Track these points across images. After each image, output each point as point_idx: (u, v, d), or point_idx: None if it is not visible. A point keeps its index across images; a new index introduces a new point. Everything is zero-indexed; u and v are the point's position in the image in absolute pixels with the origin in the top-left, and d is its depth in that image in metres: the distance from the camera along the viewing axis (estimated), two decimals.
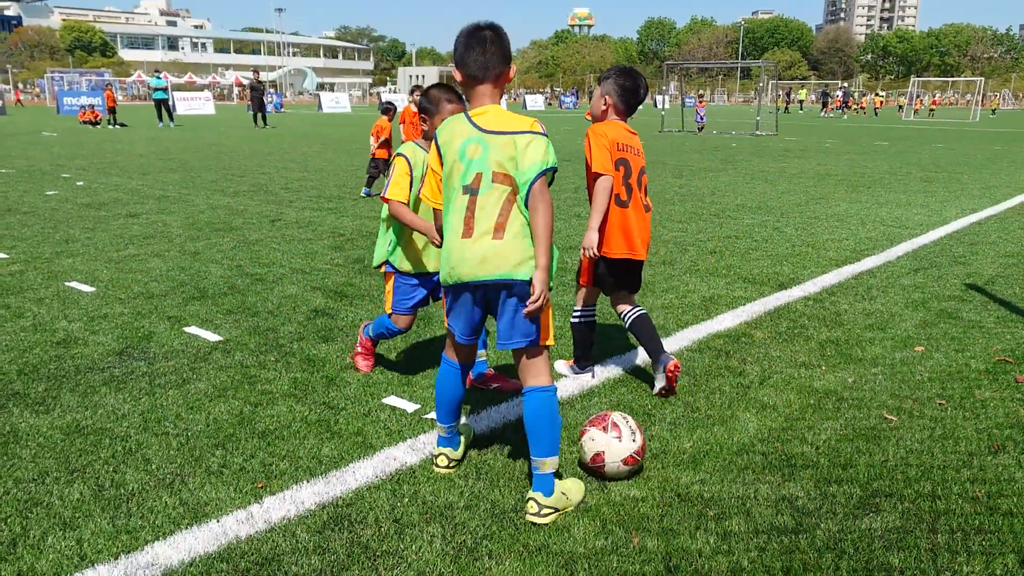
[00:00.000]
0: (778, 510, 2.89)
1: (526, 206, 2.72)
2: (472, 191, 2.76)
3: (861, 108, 54.53)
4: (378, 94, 74.94)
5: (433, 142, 2.89)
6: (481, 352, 3.98)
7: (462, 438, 3.24)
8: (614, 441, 3.09)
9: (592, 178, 3.74)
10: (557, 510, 2.82)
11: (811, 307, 5.60)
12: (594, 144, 3.75)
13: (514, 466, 3.22)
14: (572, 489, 2.93)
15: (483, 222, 2.74)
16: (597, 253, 3.75)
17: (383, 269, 4.00)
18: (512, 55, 2.90)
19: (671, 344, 4.74)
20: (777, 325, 5.17)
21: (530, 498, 2.81)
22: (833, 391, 4.04)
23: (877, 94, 58.29)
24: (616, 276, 3.96)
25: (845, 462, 3.26)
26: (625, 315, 4.02)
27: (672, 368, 3.83)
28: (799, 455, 3.33)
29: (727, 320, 5.25)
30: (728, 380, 4.18)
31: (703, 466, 3.22)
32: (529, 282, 2.74)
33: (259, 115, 29.71)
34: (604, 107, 3.89)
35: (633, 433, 3.13)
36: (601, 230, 3.74)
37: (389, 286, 4.00)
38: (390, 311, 4.02)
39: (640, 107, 3.86)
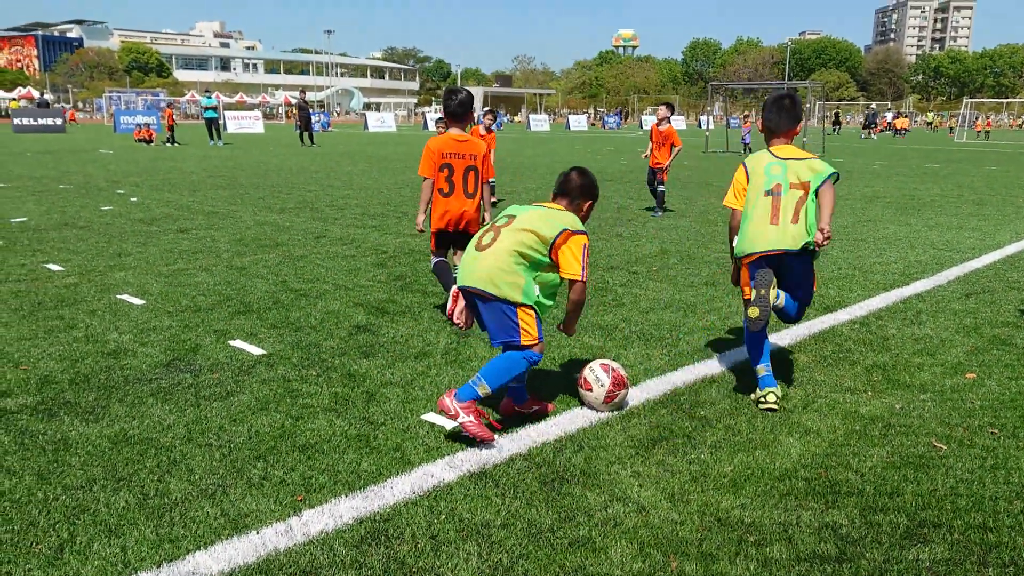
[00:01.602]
0: (821, 538, 2.83)
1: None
2: (775, 194, 4.09)
3: (893, 129, 53.55)
4: (422, 114, 75.80)
5: (742, 165, 4.28)
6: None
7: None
8: (587, 394, 3.93)
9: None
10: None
11: (857, 331, 5.49)
12: (422, 154, 5.52)
13: (551, 485, 3.20)
14: None
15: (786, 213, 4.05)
16: (421, 229, 5.80)
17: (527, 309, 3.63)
18: (800, 116, 4.30)
19: (712, 366, 4.69)
20: (822, 349, 5.07)
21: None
22: (880, 417, 3.95)
23: (901, 115, 57.02)
24: (442, 241, 5.62)
25: (892, 490, 3.18)
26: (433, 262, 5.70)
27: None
28: (843, 482, 3.25)
29: (771, 342, 5.16)
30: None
31: (744, 491, 3.17)
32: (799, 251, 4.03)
33: (306, 134, 30.28)
34: (444, 122, 5.70)
35: (598, 378, 3.89)
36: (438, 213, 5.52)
37: (532, 319, 3.61)
38: (537, 340, 3.62)
39: (476, 112, 4.04)
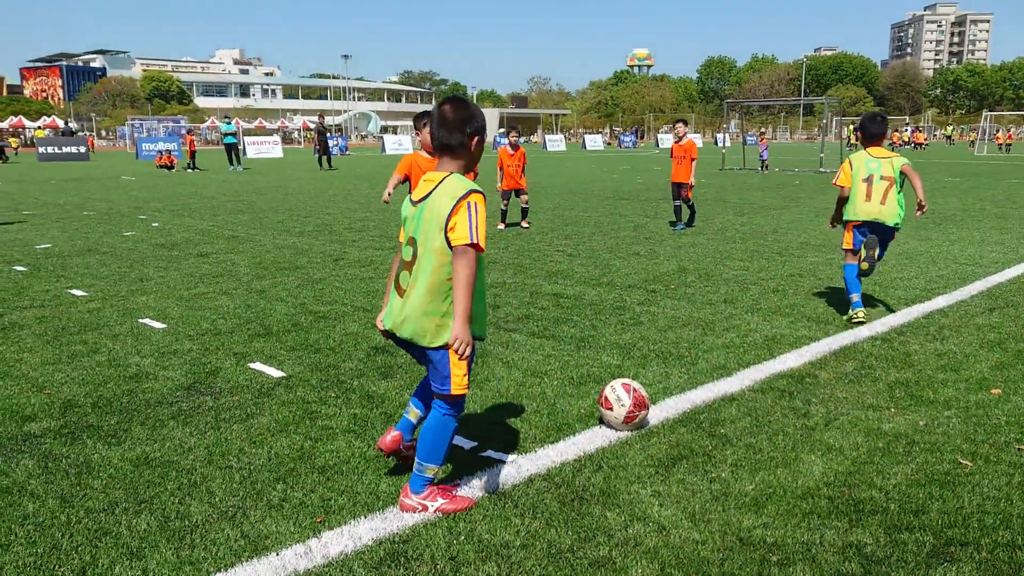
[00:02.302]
0: (845, 557, 2.79)
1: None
2: (869, 182, 6.11)
3: (913, 143, 53.26)
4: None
5: (848, 159, 6.30)
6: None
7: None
8: (608, 413, 3.93)
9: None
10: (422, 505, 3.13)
11: (879, 347, 5.43)
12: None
13: (571, 505, 3.18)
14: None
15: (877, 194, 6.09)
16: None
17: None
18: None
19: (732, 384, 4.65)
20: (843, 365, 5.02)
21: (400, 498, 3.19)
22: (903, 434, 3.90)
23: (918, 129, 56.75)
24: None
25: (917, 508, 3.13)
26: None
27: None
28: (867, 500, 3.21)
29: (791, 360, 5.13)
30: (792, 421, 4.07)
31: (766, 510, 3.13)
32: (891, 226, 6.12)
33: (324, 157, 30.58)
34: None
35: (619, 398, 3.88)
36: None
37: (465, 361, 3.04)
38: (465, 388, 3.08)
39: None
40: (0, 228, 12.29)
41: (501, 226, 12.23)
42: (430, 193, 3.02)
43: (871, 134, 6.25)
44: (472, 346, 2.98)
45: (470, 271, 2.91)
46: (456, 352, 2.94)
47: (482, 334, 3.12)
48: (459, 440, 3.82)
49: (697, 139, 71.22)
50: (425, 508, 3.13)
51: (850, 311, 6.07)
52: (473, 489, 3.32)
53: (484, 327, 3.14)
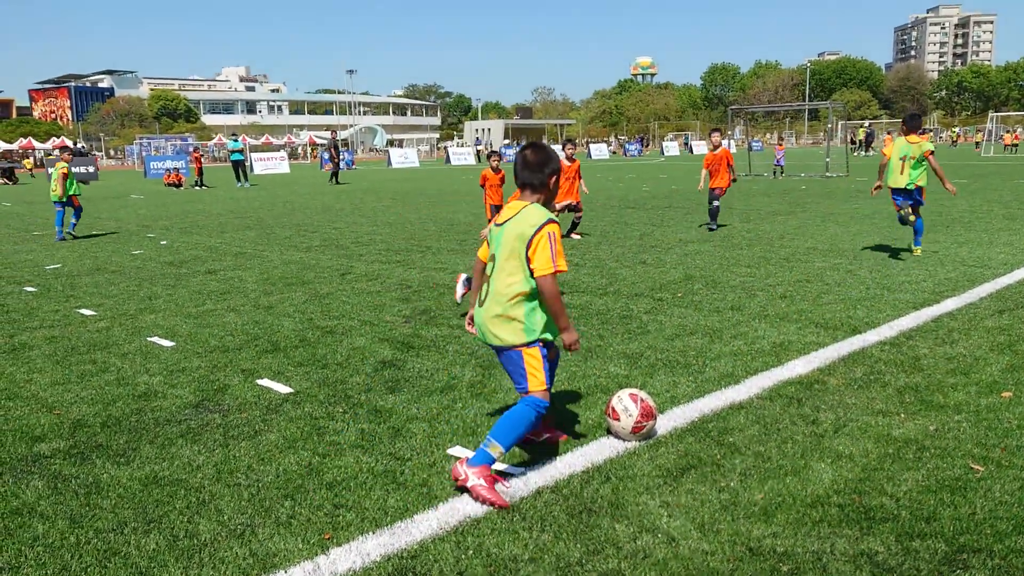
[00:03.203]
0: (857, 566, 2.77)
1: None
2: (903, 160, 9.24)
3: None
4: (445, 148, 76.60)
5: (892, 142, 9.40)
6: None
7: None
8: (615, 423, 3.90)
9: None
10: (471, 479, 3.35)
11: (888, 352, 5.40)
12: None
13: (579, 518, 3.17)
14: None
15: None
16: None
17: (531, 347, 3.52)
18: None
19: (740, 392, 4.63)
20: (852, 371, 5.00)
21: (458, 460, 3.46)
22: (913, 440, 3.87)
23: (925, 131, 56.75)
24: None
25: (928, 515, 3.11)
26: None
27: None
28: (878, 507, 3.18)
29: (799, 366, 5.11)
30: (801, 428, 4.05)
31: (775, 519, 3.11)
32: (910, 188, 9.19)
33: (335, 173, 30.79)
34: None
35: (627, 408, 3.87)
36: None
37: (537, 362, 3.49)
38: (545, 385, 3.51)
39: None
40: (14, 250, 12.39)
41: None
42: (511, 218, 3.51)
43: (909, 127, 9.27)
44: (556, 349, 3.72)
45: (555, 289, 3.40)
46: (571, 349, 3.47)
47: (555, 334, 3.61)
48: (467, 453, 3.81)
49: (702, 146, 71.23)
50: (466, 479, 3.34)
51: (911, 247, 9.57)
52: (527, 480, 3.31)
53: (556, 331, 3.58)
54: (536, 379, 3.46)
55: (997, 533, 2.95)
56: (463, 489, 3.39)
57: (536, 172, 3.58)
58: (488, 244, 3.66)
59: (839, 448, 3.78)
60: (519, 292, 3.44)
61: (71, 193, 13.76)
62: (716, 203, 12.60)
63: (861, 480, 3.43)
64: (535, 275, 3.38)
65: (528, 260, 3.39)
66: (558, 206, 12.31)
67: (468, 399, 4.65)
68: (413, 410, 4.47)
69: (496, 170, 12.45)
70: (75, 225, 13.88)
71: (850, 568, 2.75)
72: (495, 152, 12.74)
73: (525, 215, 3.46)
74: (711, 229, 12.66)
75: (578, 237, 12.28)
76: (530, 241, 3.38)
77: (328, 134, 33.14)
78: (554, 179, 3.61)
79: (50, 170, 39.98)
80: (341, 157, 35.06)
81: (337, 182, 30.89)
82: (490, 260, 3.57)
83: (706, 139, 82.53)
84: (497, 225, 3.58)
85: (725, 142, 16.26)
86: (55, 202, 13.65)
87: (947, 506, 3.17)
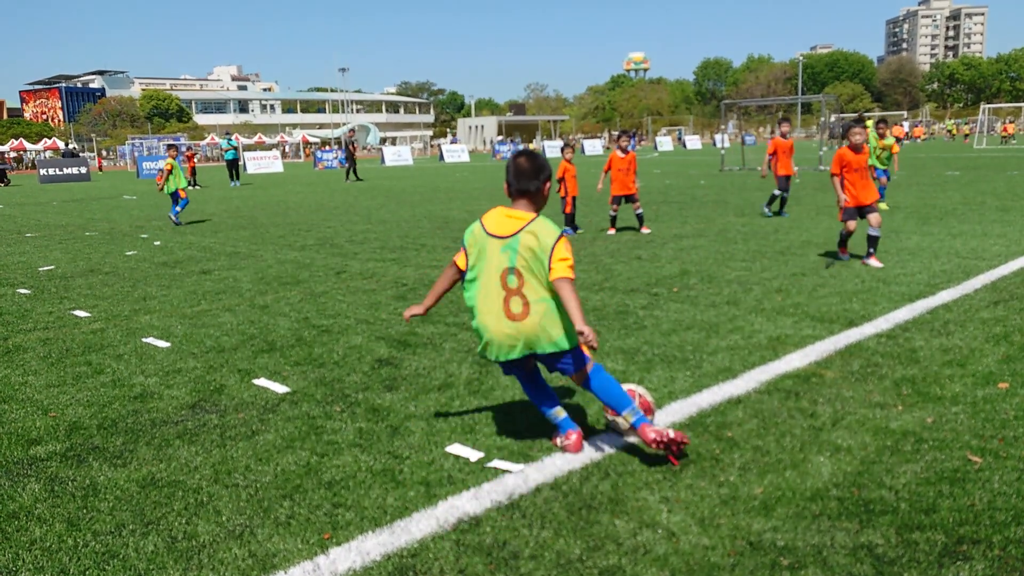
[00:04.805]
0: (857, 558, 2.77)
1: None
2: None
3: (910, 138, 53.43)
4: (438, 146, 76.45)
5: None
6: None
7: None
8: (614, 419, 3.85)
9: None
10: None
11: (884, 344, 5.41)
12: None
13: (579, 514, 3.17)
14: None
15: None
16: None
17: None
18: None
19: (738, 386, 4.64)
20: (848, 364, 5.00)
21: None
22: (911, 432, 3.88)
23: (918, 124, 57.14)
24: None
25: (927, 507, 3.11)
26: None
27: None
28: (877, 500, 3.19)
29: (796, 360, 5.11)
30: (799, 422, 4.05)
31: (775, 513, 3.12)
32: None
33: (351, 170, 30.72)
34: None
35: None
36: None
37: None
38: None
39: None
40: (12, 252, 12.33)
41: (612, 231, 12.17)
42: (521, 230, 3.57)
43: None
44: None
45: (574, 289, 3.51)
46: (588, 342, 3.37)
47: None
48: (465, 451, 3.81)
49: (696, 141, 71.29)
50: (655, 436, 3.51)
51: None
52: (481, 500, 3.30)
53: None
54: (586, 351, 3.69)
55: (996, 524, 2.96)
56: (667, 447, 3.50)
57: (533, 179, 3.64)
58: (482, 254, 3.66)
59: (837, 441, 3.79)
60: (548, 299, 3.57)
61: (178, 187, 15.54)
62: (787, 193, 13.61)
63: (860, 473, 3.44)
64: (560, 279, 3.49)
65: (550, 269, 3.51)
66: (612, 195, 12.16)
67: (466, 397, 4.64)
68: (411, 408, 4.46)
69: (624, 151, 12.20)
70: (178, 214, 15.50)
71: (850, 561, 2.75)
72: (625, 132, 12.74)
73: (539, 225, 3.59)
74: (784, 215, 13.58)
75: (648, 231, 12.10)
76: (553, 247, 3.53)
77: (316, 133, 32.97)
78: (547, 185, 3.72)
79: (42, 171, 39.85)
80: (335, 155, 35.05)
81: (358, 178, 30.82)
82: (510, 274, 3.59)
83: (700, 134, 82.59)
84: (498, 237, 3.61)
85: (720, 137, 16.65)
86: (171, 193, 15.60)
87: (946, 498, 3.18)
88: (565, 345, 3.59)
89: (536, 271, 3.54)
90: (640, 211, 12.27)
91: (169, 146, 16.61)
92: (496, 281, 3.60)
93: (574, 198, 12.48)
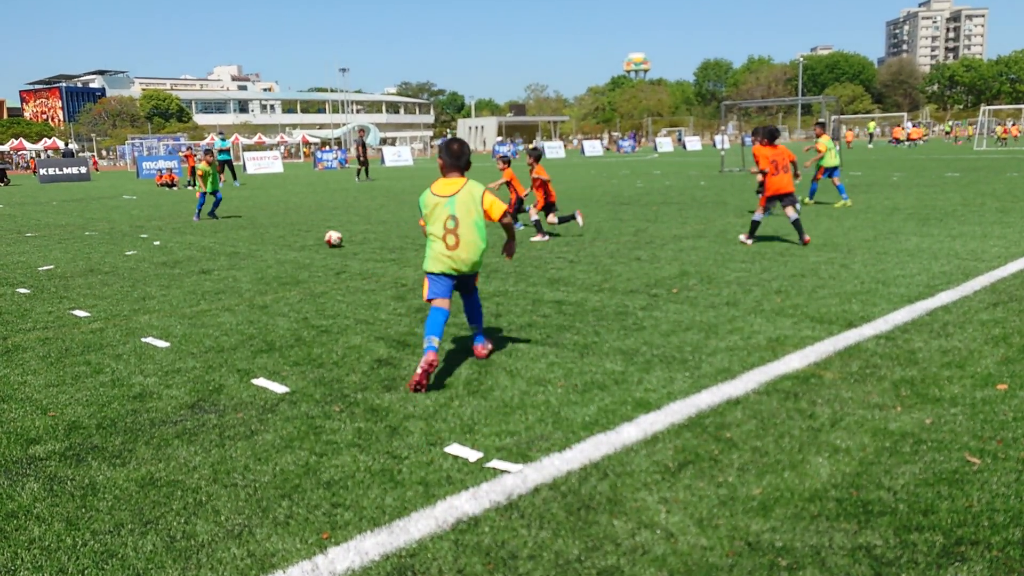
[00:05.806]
0: (855, 559, 2.77)
1: None
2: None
3: (908, 140, 53.57)
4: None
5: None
6: None
7: None
8: None
9: None
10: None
11: (883, 346, 5.41)
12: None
13: (577, 514, 3.17)
14: None
15: None
16: None
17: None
18: None
19: (737, 387, 4.64)
20: (847, 365, 5.01)
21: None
22: (910, 433, 3.88)
23: (849, 129, 57.50)
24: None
25: (926, 508, 3.11)
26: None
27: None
28: (876, 501, 3.19)
29: (795, 361, 5.12)
30: (798, 423, 4.06)
31: (773, 513, 3.12)
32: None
33: (363, 169, 30.65)
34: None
35: None
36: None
37: None
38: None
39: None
40: (10, 250, 12.33)
41: (749, 241, 10.47)
42: (459, 191, 5.03)
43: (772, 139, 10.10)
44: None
45: (511, 220, 5.33)
46: (511, 257, 5.51)
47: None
48: (464, 451, 3.81)
49: (696, 142, 71.28)
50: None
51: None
52: (480, 500, 3.31)
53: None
54: None
55: (994, 525, 2.96)
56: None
57: (461, 158, 5.15)
58: (434, 211, 5.06)
59: (836, 442, 3.79)
60: (475, 239, 5.07)
61: (214, 189, 16.47)
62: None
63: (858, 474, 3.44)
64: (501, 219, 5.13)
65: (485, 213, 5.05)
66: (765, 196, 10.23)
67: (464, 396, 4.64)
68: (410, 408, 4.46)
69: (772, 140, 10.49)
70: (214, 210, 16.70)
71: (848, 561, 2.76)
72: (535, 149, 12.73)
73: (471, 186, 5.05)
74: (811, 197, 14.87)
75: (808, 240, 10.19)
76: (481, 199, 5.05)
77: (316, 133, 32.93)
78: (469, 164, 5.19)
79: (42, 171, 39.84)
80: (335, 155, 35.05)
81: (368, 178, 30.78)
82: (449, 220, 4.99)
83: (700, 135, 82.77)
84: (443, 196, 5.04)
85: (720, 138, 16.66)
86: (211, 192, 16.48)
87: (944, 499, 3.18)
88: (479, 269, 5.21)
89: (473, 216, 4.99)
90: (797, 216, 10.17)
91: (206, 151, 17.36)
92: (441, 225, 5.01)
93: (551, 203, 12.07)
